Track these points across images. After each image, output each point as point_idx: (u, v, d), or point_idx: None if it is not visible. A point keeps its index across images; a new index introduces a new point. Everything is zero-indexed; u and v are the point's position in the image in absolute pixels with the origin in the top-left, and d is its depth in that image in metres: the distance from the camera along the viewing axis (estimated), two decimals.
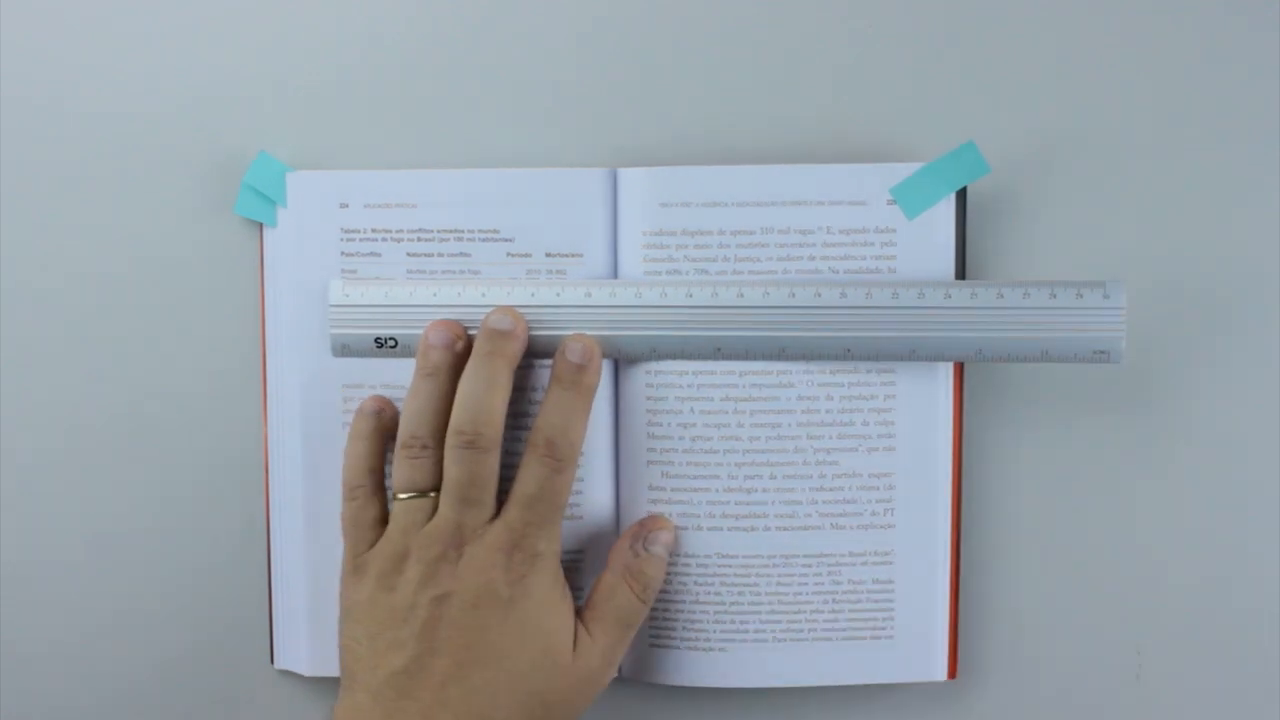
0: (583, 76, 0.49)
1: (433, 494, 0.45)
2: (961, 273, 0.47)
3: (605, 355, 0.47)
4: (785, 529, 0.48)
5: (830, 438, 0.47)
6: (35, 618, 0.51)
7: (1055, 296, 0.46)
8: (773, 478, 0.48)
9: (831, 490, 0.48)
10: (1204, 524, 0.49)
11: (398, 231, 0.48)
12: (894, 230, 0.47)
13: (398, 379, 0.48)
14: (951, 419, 0.48)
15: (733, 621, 0.48)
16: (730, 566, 0.48)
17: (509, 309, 0.46)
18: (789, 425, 0.47)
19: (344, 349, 0.48)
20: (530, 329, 0.47)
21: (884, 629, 0.48)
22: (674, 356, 0.47)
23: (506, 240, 0.48)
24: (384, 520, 0.46)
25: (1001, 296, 0.46)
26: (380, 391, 0.48)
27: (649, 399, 0.48)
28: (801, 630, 0.48)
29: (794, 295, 0.46)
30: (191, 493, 0.50)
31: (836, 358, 0.47)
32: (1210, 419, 0.49)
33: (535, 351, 0.47)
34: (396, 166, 0.48)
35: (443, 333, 0.46)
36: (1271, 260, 0.49)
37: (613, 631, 0.46)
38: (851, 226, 0.47)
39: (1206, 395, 0.49)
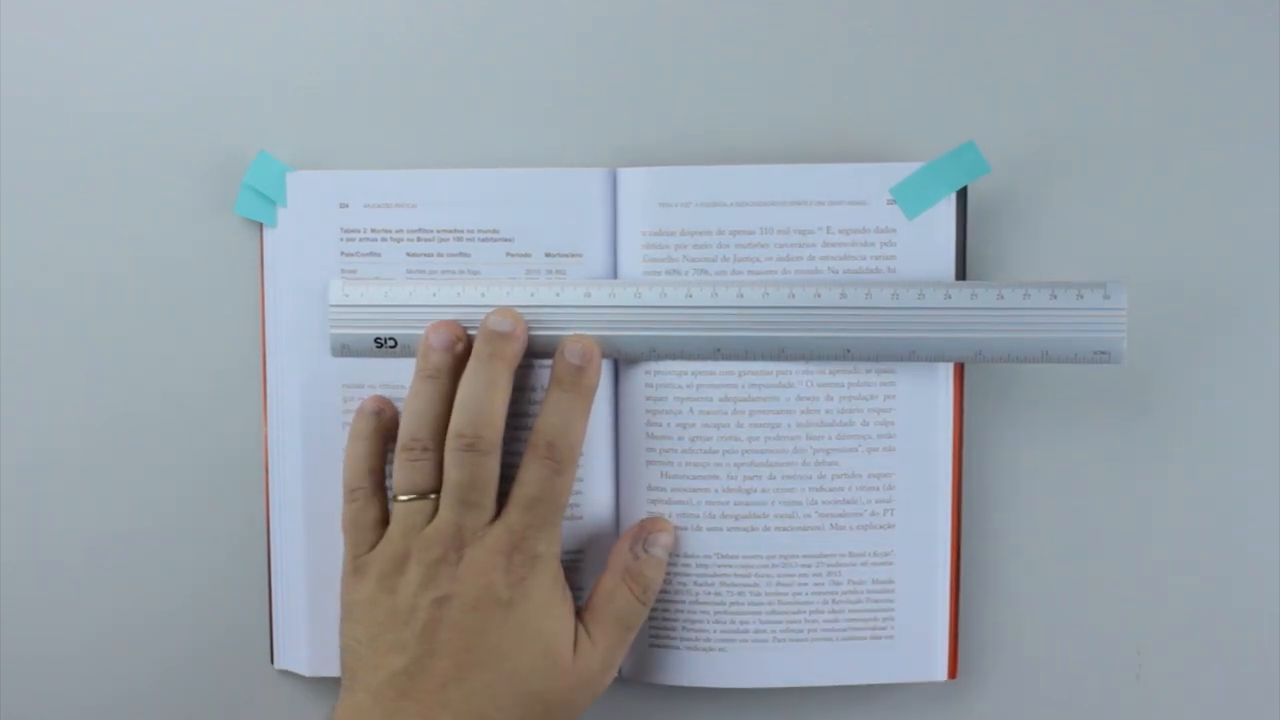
0: (583, 76, 0.49)
1: (433, 496, 0.45)
2: (962, 273, 0.47)
3: (605, 355, 0.47)
4: (785, 529, 0.48)
5: (830, 438, 0.47)
6: (35, 618, 0.51)
7: (1055, 297, 0.46)
8: (772, 478, 0.48)
9: (831, 490, 0.48)
10: (1204, 524, 0.49)
11: (397, 231, 0.48)
12: (894, 230, 0.47)
13: (397, 379, 0.48)
14: (951, 419, 0.48)
15: (732, 622, 0.48)
16: (730, 567, 0.48)
17: (508, 310, 0.46)
18: (788, 425, 0.47)
19: (344, 349, 0.48)
20: (530, 329, 0.47)
21: (884, 629, 0.48)
22: (673, 357, 0.47)
23: (506, 240, 0.48)
24: (384, 521, 0.46)
25: (1001, 297, 0.46)
26: (380, 391, 0.48)
27: (648, 399, 0.48)
28: (801, 630, 0.48)
29: (794, 295, 0.46)
30: (191, 493, 0.50)
31: (836, 358, 0.47)
32: (1210, 419, 0.49)
33: (535, 352, 0.47)
34: (396, 166, 0.48)
35: (443, 334, 0.46)
36: (1271, 260, 0.48)
37: (612, 634, 0.46)
38: (851, 226, 0.47)
39: (1207, 395, 0.49)
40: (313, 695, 0.51)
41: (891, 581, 0.48)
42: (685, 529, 0.48)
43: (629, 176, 0.48)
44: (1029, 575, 0.50)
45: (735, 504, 0.48)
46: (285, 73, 0.49)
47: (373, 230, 0.48)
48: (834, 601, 0.48)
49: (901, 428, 0.47)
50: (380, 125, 0.49)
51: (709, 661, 0.48)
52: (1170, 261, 0.49)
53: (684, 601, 0.48)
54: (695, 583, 0.48)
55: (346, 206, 0.48)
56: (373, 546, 0.46)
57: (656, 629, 0.48)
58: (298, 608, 0.49)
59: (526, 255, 0.48)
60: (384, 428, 0.47)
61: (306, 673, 0.50)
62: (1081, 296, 0.45)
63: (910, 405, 0.47)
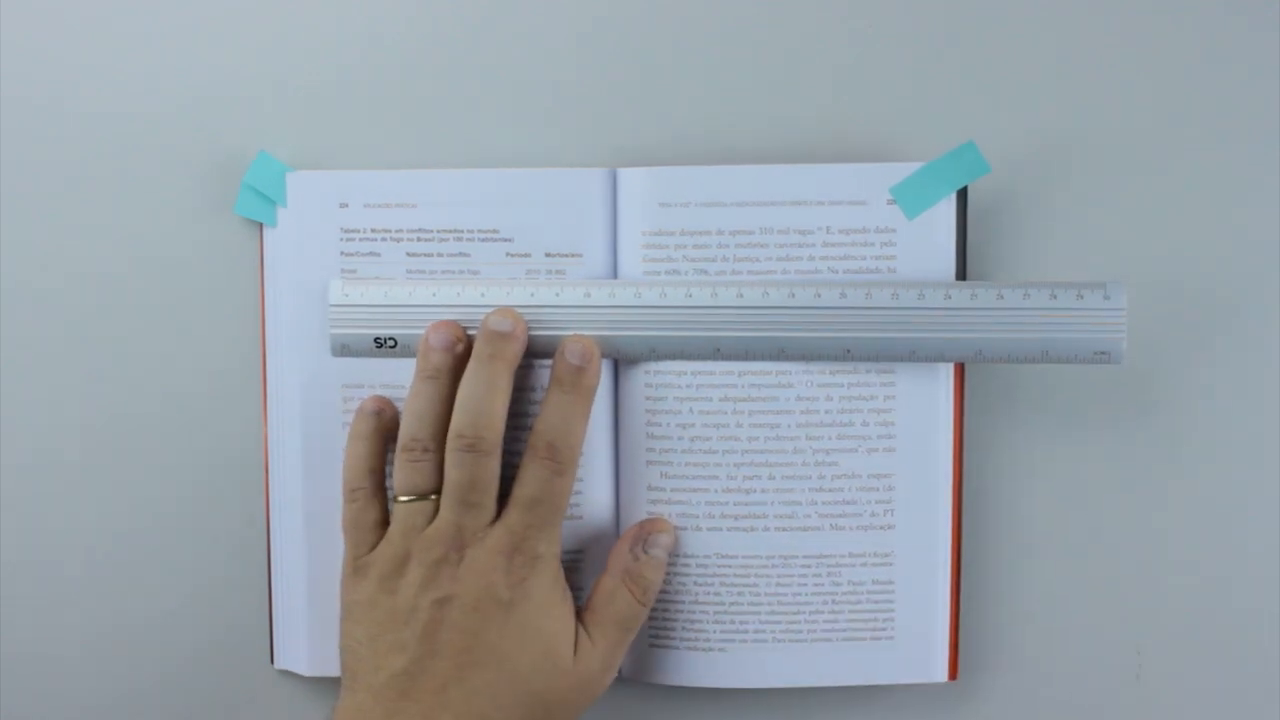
0: (583, 76, 0.49)
1: (433, 497, 0.45)
2: (962, 273, 0.47)
3: (604, 355, 0.47)
4: (784, 529, 0.48)
5: (830, 438, 0.47)
6: (35, 618, 0.51)
7: (1056, 297, 0.46)
8: (772, 478, 0.48)
9: (831, 491, 0.48)
10: (1204, 524, 0.49)
11: (397, 231, 0.48)
12: (894, 230, 0.47)
13: (397, 379, 0.48)
14: (952, 420, 0.48)
15: (732, 622, 0.48)
16: (730, 567, 0.48)
17: (508, 310, 0.46)
18: (788, 426, 0.47)
19: (344, 349, 0.48)
20: (530, 329, 0.47)
21: (884, 630, 0.48)
22: (673, 357, 0.47)
23: (506, 240, 0.48)
24: (384, 522, 0.46)
25: (1002, 297, 0.46)
26: (380, 391, 0.48)
27: (648, 399, 0.48)
28: (801, 631, 0.48)
29: (794, 295, 0.46)
30: (191, 493, 0.50)
31: (836, 358, 0.47)
32: (1210, 419, 0.49)
33: (535, 352, 0.47)
34: (396, 166, 0.48)
35: (443, 335, 0.46)
36: (1271, 260, 0.48)
37: (612, 635, 0.46)
38: (851, 226, 0.47)
39: (1207, 395, 0.49)
40: (313, 695, 0.51)
41: (891, 582, 0.48)
42: (685, 529, 0.48)
43: (629, 176, 0.48)
44: (1029, 576, 0.50)
45: (735, 504, 0.48)
46: (285, 73, 0.49)
47: (373, 230, 0.48)
48: (834, 602, 0.48)
49: (901, 428, 0.47)
50: (380, 125, 0.49)
51: (709, 662, 0.48)
52: (1170, 261, 0.49)
53: (684, 602, 0.48)
54: (695, 583, 0.48)
55: (346, 206, 0.48)
56: (373, 547, 0.46)
57: (656, 629, 0.48)
58: (298, 608, 0.49)
59: (526, 255, 0.48)
60: (384, 428, 0.47)
61: (306, 673, 0.50)
62: (1081, 297, 0.45)
63: (910, 405, 0.47)
